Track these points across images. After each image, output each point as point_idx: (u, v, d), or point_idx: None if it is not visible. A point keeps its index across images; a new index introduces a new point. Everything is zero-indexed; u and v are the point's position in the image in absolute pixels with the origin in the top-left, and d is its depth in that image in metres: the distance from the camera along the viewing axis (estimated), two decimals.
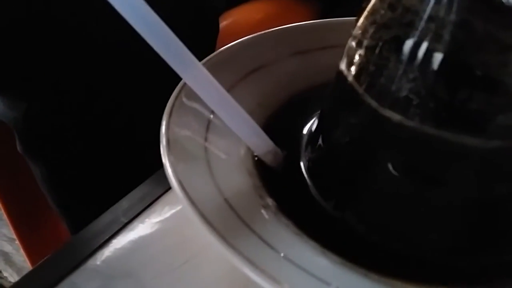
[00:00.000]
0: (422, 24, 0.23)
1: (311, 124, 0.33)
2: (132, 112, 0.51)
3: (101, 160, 0.53)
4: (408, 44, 0.23)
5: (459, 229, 0.26)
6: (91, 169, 0.53)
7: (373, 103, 0.25)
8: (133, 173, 0.38)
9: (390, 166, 0.25)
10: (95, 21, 0.45)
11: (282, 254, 0.22)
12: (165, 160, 0.25)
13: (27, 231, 0.68)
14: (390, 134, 0.25)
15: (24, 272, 0.34)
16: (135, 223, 0.31)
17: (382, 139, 0.25)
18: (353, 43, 0.27)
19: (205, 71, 0.25)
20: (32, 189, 0.59)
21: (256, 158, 0.29)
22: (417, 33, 0.23)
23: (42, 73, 0.48)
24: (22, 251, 0.71)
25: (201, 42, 0.54)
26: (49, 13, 0.45)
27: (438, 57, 0.23)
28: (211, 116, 0.29)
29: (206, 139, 0.28)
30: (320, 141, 0.30)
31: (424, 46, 0.23)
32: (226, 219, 0.23)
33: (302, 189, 0.29)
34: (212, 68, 0.31)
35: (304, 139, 0.32)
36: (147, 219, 0.32)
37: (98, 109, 0.51)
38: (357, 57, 0.26)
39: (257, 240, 0.23)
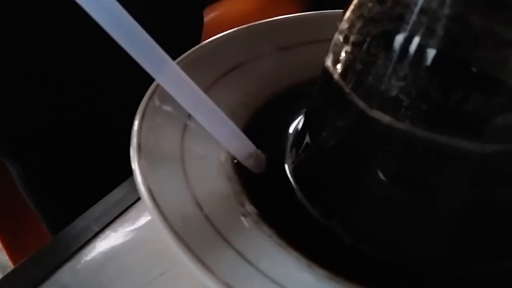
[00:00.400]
0: (413, 17, 0.21)
1: (297, 124, 0.31)
2: (112, 112, 0.49)
3: (79, 161, 0.51)
4: (398, 39, 0.21)
5: (455, 237, 0.24)
6: (69, 170, 0.52)
7: (361, 104, 0.23)
8: (113, 175, 0.36)
9: (379, 171, 0.23)
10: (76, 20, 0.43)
11: (262, 271, 0.21)
12: (134, 165, 0.23)
13: (9, 232, 0.67)
14: (379, 137, 0.23)
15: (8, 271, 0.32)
16: (107, 232, 0.29)
17: (370, 142, 0.24)
18: (339, 38, 0.25)
19: (178, 70, 0.23)
20: (13, 189, 0.57)
21: (236, 162, 0.27)
22: (407, 27, 0.21)
23: (17, 74, 0.47)
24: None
25: (184, 36, 0.52)
26: (26, 13, 0.44)
27: (430, 53, 0.21)
28: (188, 118, 0.27)
29: (181, 144, 0.26)
30: (306, 142, 0.28)
31: (415, 41, 0.21)
32: (199, 231, 0.21)
33: (286, 194, 0.27)
34: (192, 65, 0.29)
35: (289, 140, 0.30)
36: (120, 228, 0.30)
37: (75, 109, 0.49)
38: (343, 54, 0.24)
39: (234, 255, 0.21)
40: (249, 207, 0.25)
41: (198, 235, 0.21)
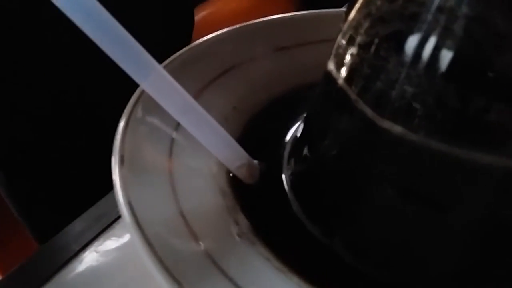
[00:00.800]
0: (428, 16, 0.19)
1: (295, 131, 0.29)
2: (97, 118, 0.47)
3: (62, 167, 0.49)
4: (411, 41, 0.19)
5: (468, 260, 0.22)
6: (51, 176, 0.50)
7: (369, 112, 0.21)
8: (101, 182, 0.34)
9: (387, 187, 0.21)
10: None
11: None
12: (115, 176, 0.21)
13: None
14: (389, 149, 0.21)
15: None
16: (88, 251, 0.27)
17: (379, 155, 0.21)
18: (344, 40, 0.22)
19: (165, 74, 0.21)
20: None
21: (231, 175, 0.25)
22: (422, 27, 0.19)
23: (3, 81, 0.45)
24: None
25: (175, 36, 0.50)
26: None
27: (447, 57, 0.19)
28: (177, 126, 0.25)
29: (169, 154, 0.24)
30: (305, 151, 0.26)
31: (430, 43, 0.19)
32: (187, 256, 0.19)
33: (284, 210, 0.24)
34: (181, 68, 0.28)
35: (287, 149, 0.28)
36: (102, 246, 0.27)
37: (64, 117, 0.47)
38: (348, 57, 0.22)
39: (227, 284, 0.18)
40: (245, 226, 0.23)
41: (186, 260, 0.19)
